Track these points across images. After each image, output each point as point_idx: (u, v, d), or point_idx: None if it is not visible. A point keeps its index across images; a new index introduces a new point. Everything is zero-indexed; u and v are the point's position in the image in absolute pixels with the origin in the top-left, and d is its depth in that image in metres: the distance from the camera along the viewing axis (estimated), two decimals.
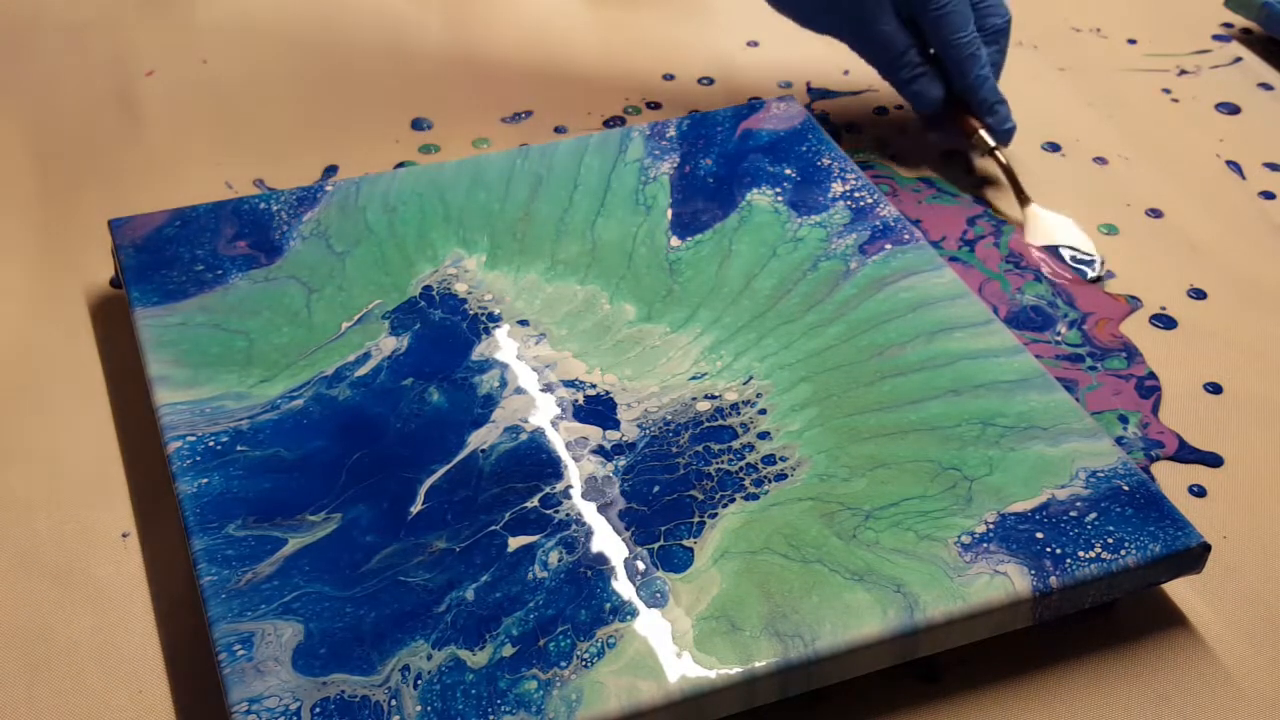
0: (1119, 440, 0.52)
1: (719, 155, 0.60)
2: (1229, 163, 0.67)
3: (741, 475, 0.46)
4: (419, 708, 0.39)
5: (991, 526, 0.45)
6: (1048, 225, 0.61)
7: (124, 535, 0.48)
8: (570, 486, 0.46)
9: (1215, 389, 0.54)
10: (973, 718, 0.43)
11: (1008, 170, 0.63)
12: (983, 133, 0.63)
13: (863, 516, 0.45)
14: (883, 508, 0.45)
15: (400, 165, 0.64)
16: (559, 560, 0.43)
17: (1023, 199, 0.63)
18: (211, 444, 0.47)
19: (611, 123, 0.68)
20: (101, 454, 0.50)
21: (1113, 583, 0.44)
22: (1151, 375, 0.55)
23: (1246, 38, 0.76)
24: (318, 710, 0.39)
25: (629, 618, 0.42)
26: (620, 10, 0.73)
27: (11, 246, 0.59)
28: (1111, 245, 0.61)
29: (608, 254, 0.55)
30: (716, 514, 0.45)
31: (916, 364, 0.50)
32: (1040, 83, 0.72)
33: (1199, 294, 0.59)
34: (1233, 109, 0.70)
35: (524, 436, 0.47)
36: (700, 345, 0.51)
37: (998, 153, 0.63)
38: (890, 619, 0.42)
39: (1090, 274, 0.59)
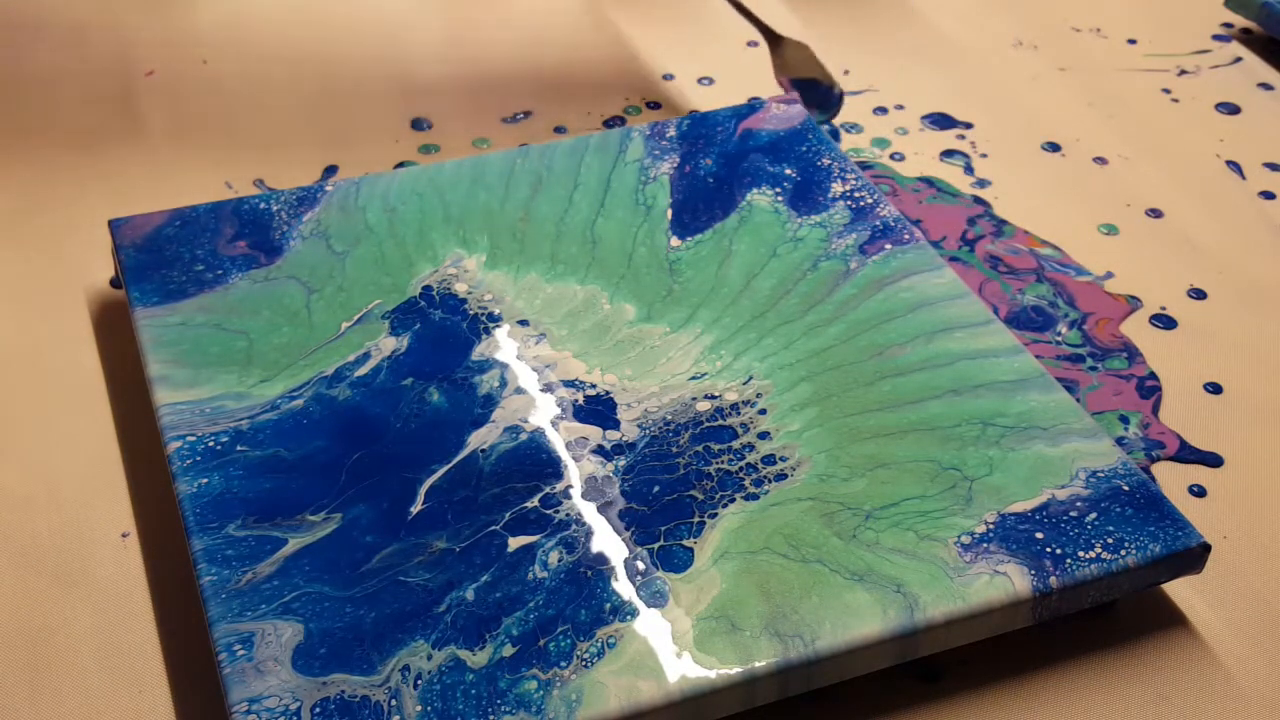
0: (1120, 441, 0.52)
1: (719, 155, 0.60)
2: (1229, 163, 0.67)
3: (741, 475, 0.46)
4: (419, 708, 0.39)
5: (991, 526, 0.45)
6: (795, 58, 0.66)
7: (124, 535, 0.48)
8: (570, 486, 0.46)
9: (1215, 389, 0.55)
10: (972, 718, 0.43)
11: (743, 9, 0.68)
12: None
13: (863, 516, 0.45)
14: (883, 508, 0.45)
15: (400, 165, 0.64)
16: (559, 560, 0.43)
17: (771, 36, 0.68)
18: (211, 444, 0.47)
19: (611, 123, 0.68)
20: (101, 454, 0.50)
21: (1113, 583, 0.44)
22: (1152, 375, 0.55)
23: (1246, 38, 0.76)
24: (318, 710, 0.39)
25: (629, 618, 0.42)
26: (620, 10, 0.73)
27: (11, 246, 0.59)
28: (1111, 245, 0.61)
29: (608, 254, 0.55)
30: (716, 514, 0.45)
31: (916, 364, 0.50)
32: (1040, 83, 0.72)
33: (1199, 294, 0.59)
34: (1233, 109, 0.70)
35: (524, 436, 0.47)
36: (700, 345, 0.51)
37: None
38: (890, 619, 0.42)
39: (834, 101, 0.65)
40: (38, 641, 0.44)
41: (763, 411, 0.49)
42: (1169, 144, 0.68)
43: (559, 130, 0.67)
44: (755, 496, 0.46)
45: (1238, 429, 0.53)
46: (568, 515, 0.45)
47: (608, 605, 0.42)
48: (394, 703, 0.40)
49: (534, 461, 0.47)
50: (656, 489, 0.46)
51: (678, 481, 0.46)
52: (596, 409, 0.49)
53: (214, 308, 0.52)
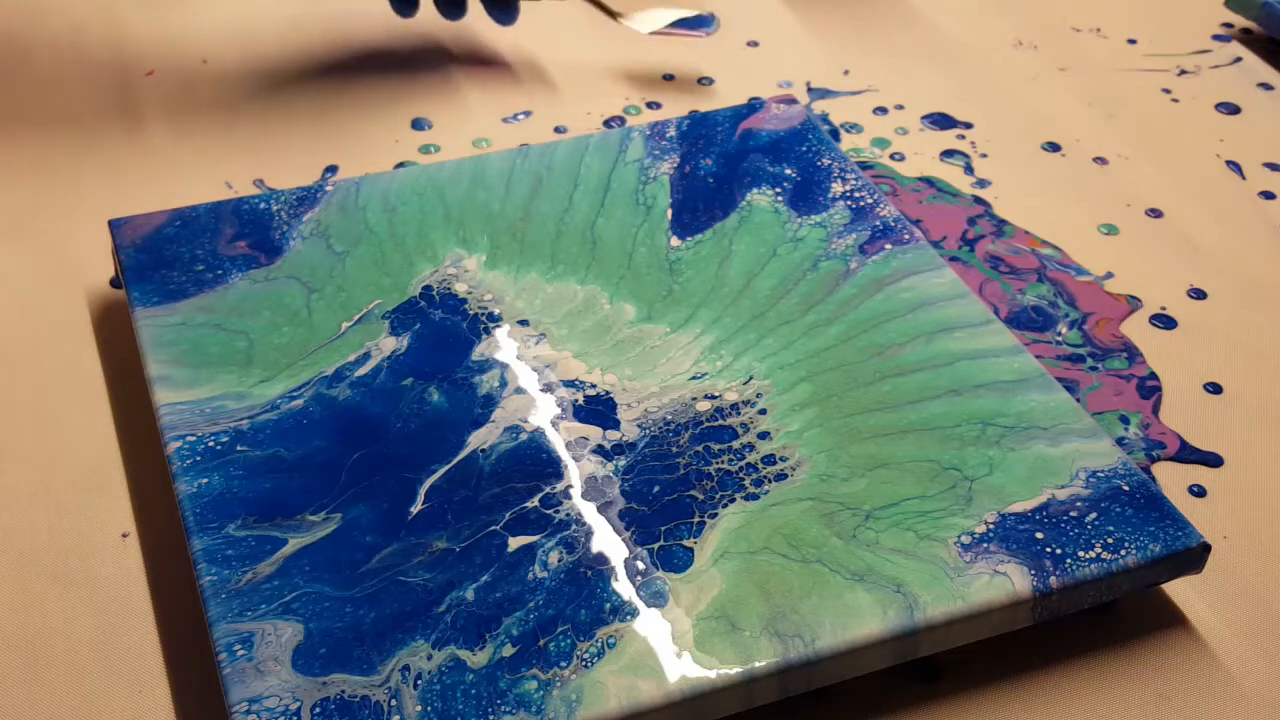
0: (1120, 441, 0.52)
1: (719, 155, 0.60)
2: (1229, 163, 0.67)
3: (741, 475, 0.46)
4: (419, 708, 0.39)
5: (991, 526, 0.45)
6: (648, 18, 0.69)
7: (124, 535, 0.48)
8: (570, 486, 0.46)
9: (1215, 389, 0.55)
10: (972, 718, 0.43)
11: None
12: None
13: (863, 516, 0.45)
14: (883, 508, 0.45)
15: (400, 165, 0.64)
16: (559, 560, 0.43)
17: (613, 15, 0.70)
18: (211, 444, 0.47)
19: (611, 123, 0.68)
20: (101, 454, 0.50)
21: (1112, 583, 0.44)
22: (1153, 375, 0.55)
23: (1246, 38, 0.76)
24: (318, 710, 0.39)
25: (629, 618, 0.42)
26: (621, 10, 0.73)
27: (11, 246, 0.59)
28: (1111, 245, 0.61)
29: (608, 254, 0.55)
30: (716, 514, 0.45)
31: (916, 364, 0.50)
32: (1040, 83, 0.72)
33: (1199, 294, 0.59)
34: (1233, 109, 0.70)
35: (524, 436, 0.47)
36: (700, 345, 0.51)
37: None
38: (890, 619, 0.42)
39: (712, 28, 0.68)
40: (37, 642, 0.44)
41: (763, 411, 0.49)
42: (1169, 144, 0.68)
43: (559, 130, 0.67)
44: (755, 496, 0.46)
45: (1238, 429, 0.53)
46: (568, 515, 0.45)
47: (608, 605, 0.42)
48: (394, 703, 0.40)
49: (534, 461, 0.47)
50: (656, 489, 0.46)
51: (678, 481, 0.46)
52: (596, 409, 0.49)
53: (214, 308, 0.52)
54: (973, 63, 0.73)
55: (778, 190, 0.58)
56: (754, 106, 0.63)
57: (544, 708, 0.39)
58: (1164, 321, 0.58)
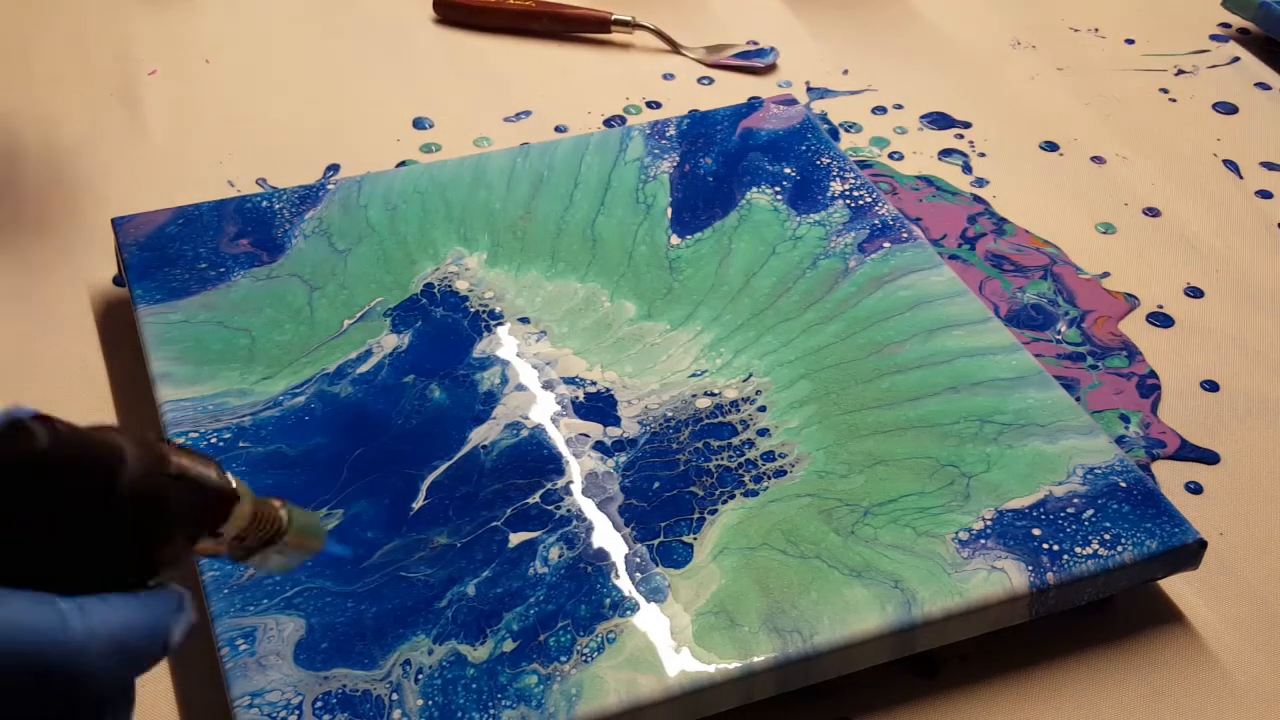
0: (1121, 439, 0.52)
1: (719, 154, 0.60)
2: (1226, 162, 0.67)
3: (741, 472, 0.47)
4: (420, 702, 0.40)
5: (989, 523, 0.45)
6: (709, 50, 0.72)
7: None
8: (571, 482, 0.46)
9: (1212, 387, 0.55)
10: (969, 713, 0.44)
11: (658, 32, 0.72)
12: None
13: (861, 513, 0.45)
14: (881, 504, 0.45)
15: (401, 164, 0.64)
16: (560, 556, 0.44)
17: (675, 46, 0.72)
18: (214, 440, 0.47)
19: (611, 122, 0.68)
20: None
21: (1109, 579, 0.44)
22: (1152, 374, 0.55)
23: (1244, 38, 0.76)
24: (319, 704, 0.40)
25: (629, 613, 0.42)
26: (621, 9, 0.74)
27: (15, 244, 0.59)
28: (1109, 244, 0.62)
29: (608, 252, 0.55)
30: (716, 510, 0.45)
31: (915, 361, 0.51)
32: (1038, 82, 0.72)
33: (1196, 292, 0.59)
34: (1230, 109, 0.71)
35: (525, 433, 0.48)
36: (700, 343, 0.51)
37: (638, 20, 0.73)
38: (888, 614, 0.42)
39: (770, 58, 0.71)
40: None
41: (762, 408, 0.49)
42: (1166, 143, 0.68)
43: (559, 129, 0.67)
44: (754, 493, 0.46)
45: (1234, 426, 0.53)
46: (568, 511, 0.45)
47: (608, 600, 0.42)
48: (395, 697, 0.40)
49: (535, 458, 0.47)
50: (656, 485, 0.46)
51: (678, 478, 0.46)
52: (597, 406, 0.49)
53: (216, 305, 0.52)
54: (971, 62, 0.73)
55: (777, 189, 0.59)
56: (753, 106, 0.63)
57: (544, 702, 0.40)
58: (1161, 319, 0.58)
